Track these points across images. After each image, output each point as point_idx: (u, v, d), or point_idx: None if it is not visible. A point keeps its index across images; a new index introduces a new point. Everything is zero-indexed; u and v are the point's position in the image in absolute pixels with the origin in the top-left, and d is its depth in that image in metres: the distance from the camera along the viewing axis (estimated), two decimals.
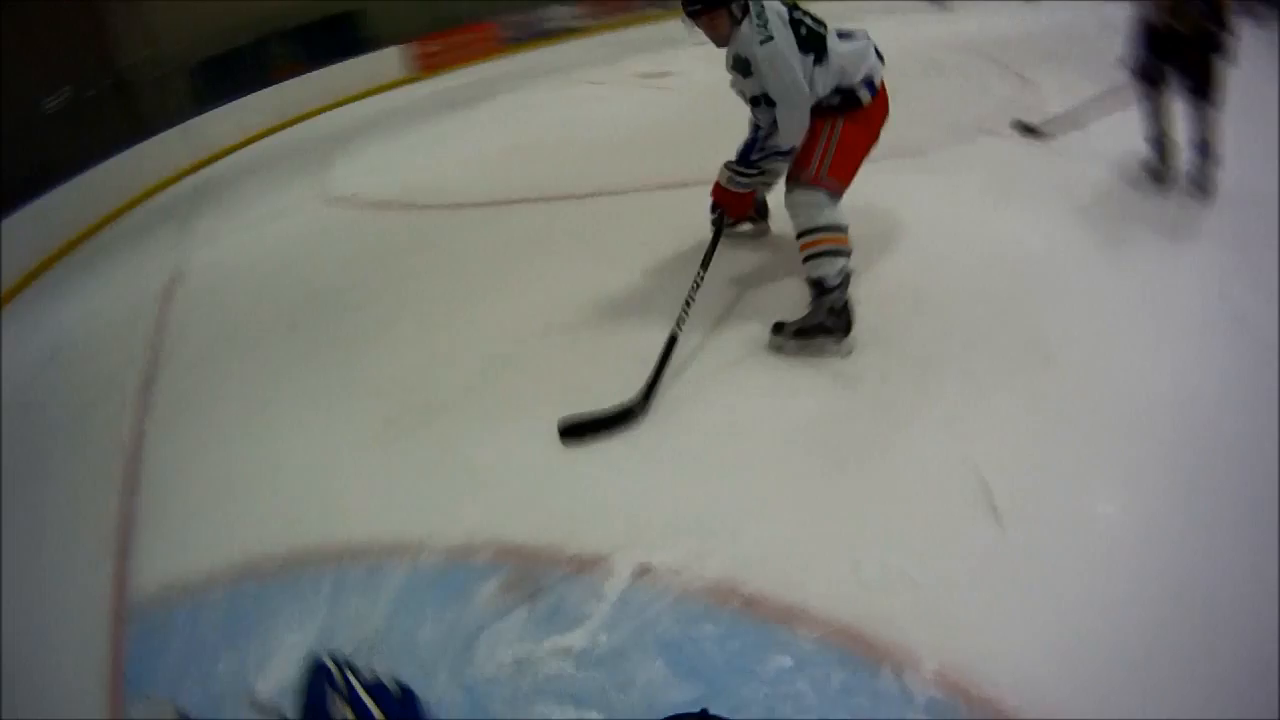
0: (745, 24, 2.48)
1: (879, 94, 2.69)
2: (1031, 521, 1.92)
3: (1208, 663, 1.54)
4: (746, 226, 3.53)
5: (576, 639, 1.76)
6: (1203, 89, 3.34)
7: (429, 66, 11.12)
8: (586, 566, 1.95)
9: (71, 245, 6.29)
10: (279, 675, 1.78)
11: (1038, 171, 3.99)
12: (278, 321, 3.77)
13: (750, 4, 2.49)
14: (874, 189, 3.64)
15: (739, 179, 2.76)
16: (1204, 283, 2.78)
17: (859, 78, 2.60)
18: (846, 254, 2.64)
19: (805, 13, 2.59)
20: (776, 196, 2.93)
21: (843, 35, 2.61)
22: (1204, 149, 3.43)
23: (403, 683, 1.25)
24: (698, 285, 2.70)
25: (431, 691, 1.67)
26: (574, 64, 9.78)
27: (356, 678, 1.20)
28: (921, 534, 1.92)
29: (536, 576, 1.95)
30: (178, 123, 8.30)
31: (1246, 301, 2.64)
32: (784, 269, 3.13)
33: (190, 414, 3.13)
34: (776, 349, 2.71)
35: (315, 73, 10.09)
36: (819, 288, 2.64)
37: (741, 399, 2.52)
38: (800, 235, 2.65)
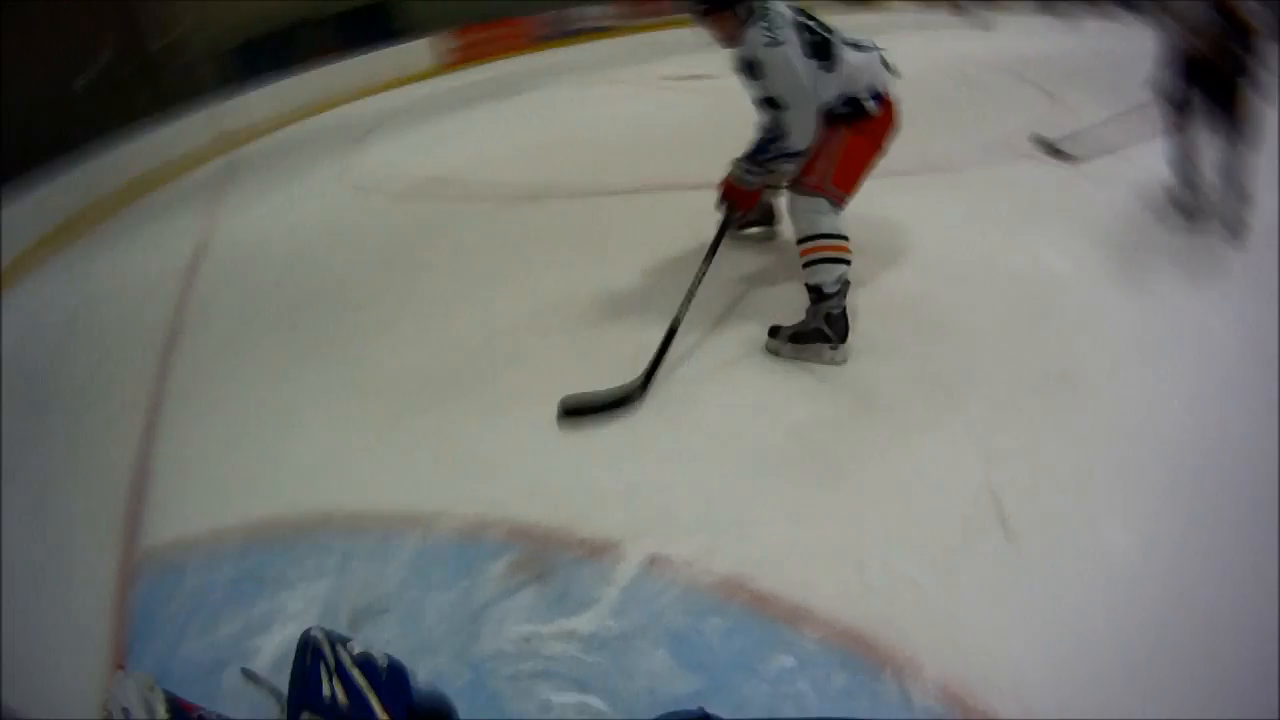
0: (752, 27, 2.50)
1: (886, 107, 2.70)
2: (1038, 534, 1.92)
3: (1213, 684, 1.54)
4: (754, 230, 3.56)
5: (584, 622, 1.77)
6: (1230, 117, 3.31)
7: (459, 59, 11.20)
8: (598, 551, 1.97)
9: (100, 217, 6.42)
10: (279, 641, 1.81)
11: (1065, 196, 3.97)
12: (298, 302, 3.87)
13: (757, 7, 2.51)
14: (897, 202, 3.71)
15: (749, 176, 2.78)
16: (1228, 321, 2.75)
17: (866, 88, 2.62)
18: (846, 262, 2.66)
19: (812, 18, 2.61)
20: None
21: (851, 44, 2.63)
22: (1234, 185, 3.37)
23: (393, 658, 1.26)
24: (700, 278, 2.73)
25: (435, 665, 1.69)
26: (601, 64, 9.87)
27: (346, 652, 1.22)
28: (927, 541, 1.92)
29: (547, 558, 1.97)
30: (209, 105, 8.43)
31: (1271, 342, 2.63)
32: (785, 273, 3.16)
33: (208, 383, 3.19)
34: (773, 352, 2.74)
35: (346, 61, 10.21)
36: (817, 294, 2.66)
37: (740, 399, 2.54)
38: (801, 241, 2.67)
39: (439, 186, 5.43)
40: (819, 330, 2.65)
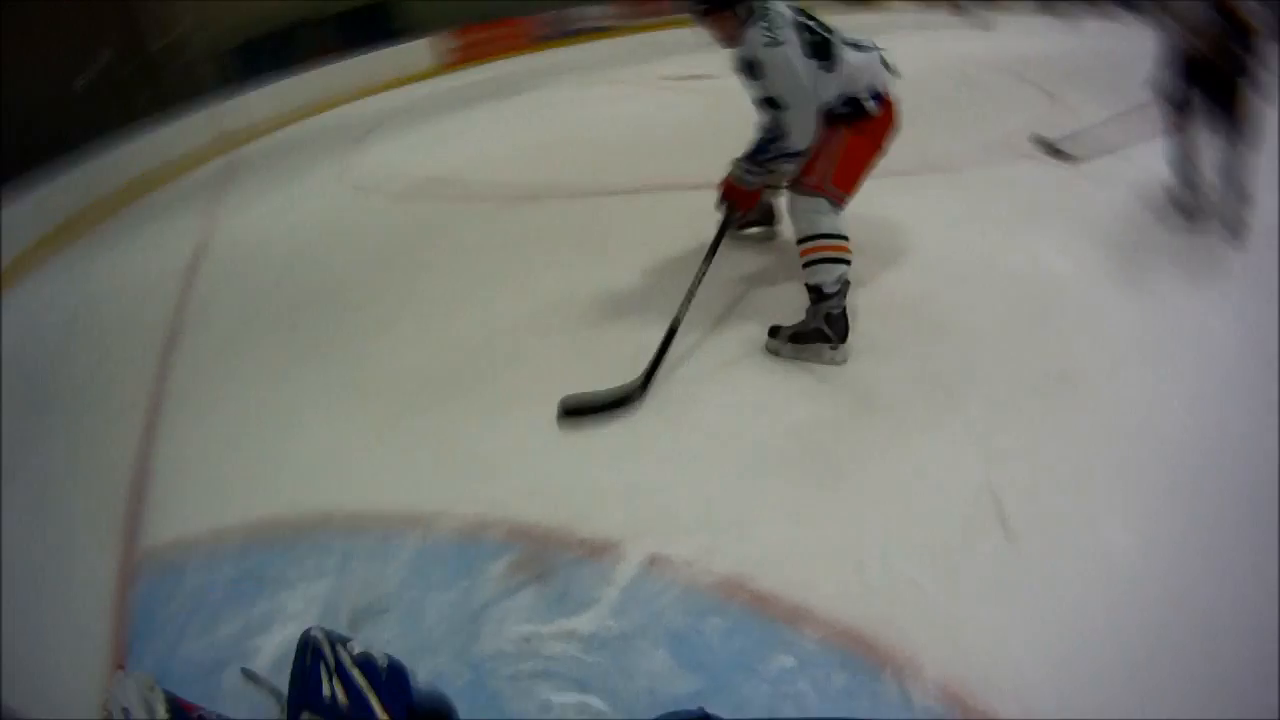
0: (752, 27, 2.49)
1: (886, 107, 2.70)
2: (1038, 534, 1.92)
3: (1213, 684, 1.54)
4: (754, 230, 3.56)
5: (584, 622, 1.77)
6: (1230, 117, 3.31)
7: (459, 59, 11.20)
8: (598, 551, 1.97)
9: (100, 217, 6.42)
10: (279, 641, 1.81)
11: (1065, 196, 3.97)
12: (298, 302, 3.87)
13: (757, 7, 2.51)
14: (897, 202, 3.71)
15: (749, 176, 2.78)
16: (1228, 321, 2.75)
17: (866, 88, 2.62)
18: (846, 262, 2.66)
19: (813, 18, 2.61)
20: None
21: (851, 44, 2.63)
22: (1234, 185, 3.37)
23: (393, 658, 1.26)
24: (700, 278, 2.73)
25: (435, 665, 1.69)
26: (601, 64, 9.87)
27: (346, 652, 1.22)
28: (928, 541, 1.92)
29: (547, 558, 1.97)
30: (209, 105, 8.43)
31: (1271, 342, 2.62)
32: (785, 273, 3.16)
33: (208, 383, 3.19)
34: (773, 352, 2.74)
35: (346, 61, 10.21)
36: (817, 294, 2.66)
37: (740, 399, 2.54)
38: (801, 241, 2.67)
39: (439, 186, 5.43)
40: (819, 330, 2.65)
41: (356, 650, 1.23)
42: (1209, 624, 1.66)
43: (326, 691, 1.16)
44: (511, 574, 1.93)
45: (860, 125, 2.65)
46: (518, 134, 6.73)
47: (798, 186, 2.67)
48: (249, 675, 1.71)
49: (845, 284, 2.67)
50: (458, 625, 1.81)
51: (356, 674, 1.18)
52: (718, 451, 2.31)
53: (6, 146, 5.89)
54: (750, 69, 2.58)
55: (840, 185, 2.65)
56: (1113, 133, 4.44)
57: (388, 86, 10.33)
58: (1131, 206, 3.74)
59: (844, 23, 2.82)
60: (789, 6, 2.56)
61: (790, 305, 2.81)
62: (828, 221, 2.63)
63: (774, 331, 2.75)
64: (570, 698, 1.62)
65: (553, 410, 2.50)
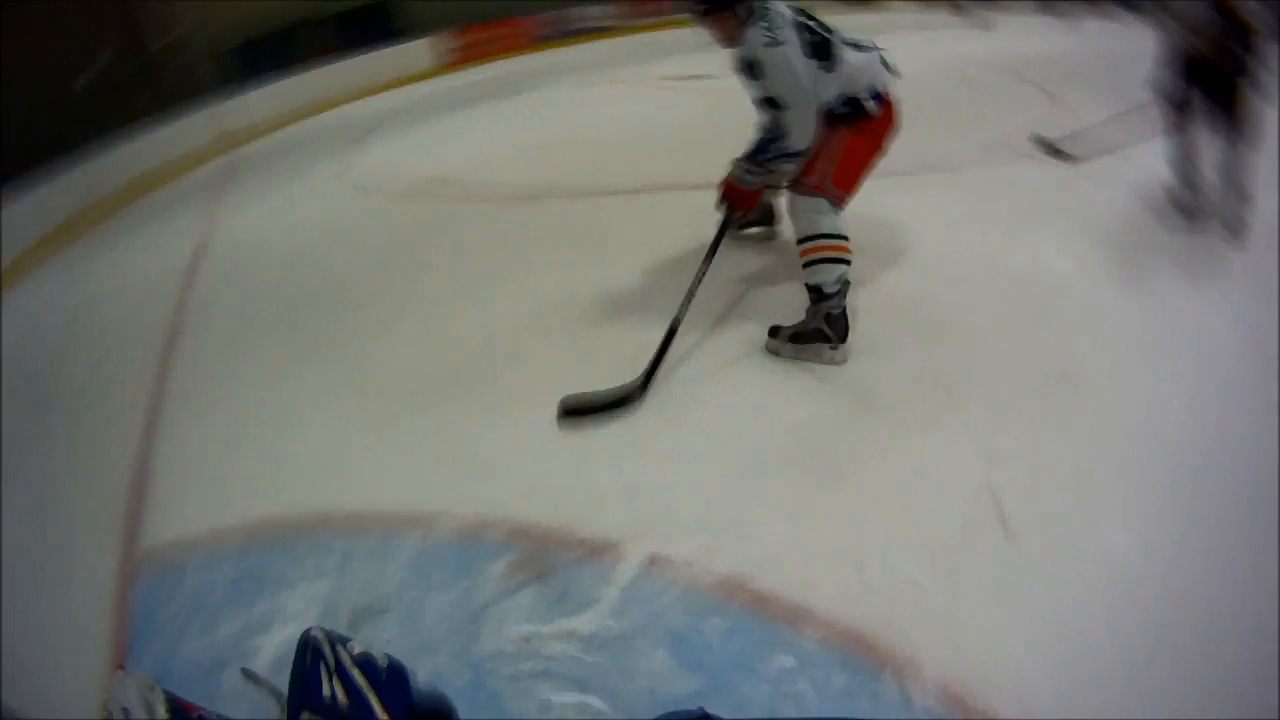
0: (752, 27, 2.49)
1: (886, 107, 2.71)
2: (1038, 534, 1.92)
3: (1213, 684, 1.54)
4: (754, 230, 3.56)
5: (584, 622, 1.77)
6: (1230, 117, 3.31)
7: (459, 59, 11.20)
8: (598, 551, 1.97)
9: (100, 217, 6.42)
10: (279, 641, 1.81)
11: (1065, 196, 3.97)
12: (298, 302, 3.87)
13: (757, 7, 2.51)
14: (897, 202, 3.71)
15: (748, 176, 2.78)
16: (1228, 321, 2.75)
17: (866, 88, 2.62)
18: (846, 262, 2.66)
19: (813, 18, 2.61)
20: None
21: (851, 44, 2.63)
22: (1234, 185, 3.36)
23: (393, 658, 1.26)
24: (700, 278, 2.73)
25: (435, 665, 1.69)
26: (601, 64, 9.86)
27: (346, 652, 1.22)
28: (928, 541, 1.92)
29: (547, 558, 1.97)
30: (209, 105, 8.44)
31: (1271, 342, 2.62)
32: (785, 273, 3.16)
33: (208, 383, 3.19)
34: (773, 352, 2.74)
35: (346, 61, 10.21)
36: (817, 294, 2.67)
37: (740, 399, 2.54)
38: (801, 241, 2.67)
39: (439, 186, 5.43)
40: (819, 330, 2.65)
41: (356, 650, 1.23)
42: (1209, 624, 1.66)
43: (326, 691, 1.16)
44: (511, 574, 1.93)
45: (860, 125, 2.65)
46: (518, 134, 6.73)
47: (798, 186, 2.67)
48: (249, 675, 1.71)
49: (845, 284, 2.67)
50: (458, 625, 1.81)
51: (356, 674, 1.18)
52: (718, 451, 2.31)
53: (6, 146, 5.89)
54: (750, 69, 2.58)
55: (840, 185, 2.65)
56: (1113, 133, 4.44)
57: (388, 86, 10.33)
58: (1131, 206, 3.74)
59: (844, 23, 2.82)
60: (789, 6, 2.56)
61: (790, 305, 2.81)
62: (828, 221, 2.63)
63: (774, 331, 2.75)
64: (570, 698, 1.62)
65: (553, 410, 2.50)
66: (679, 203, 4.03)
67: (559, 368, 2.78)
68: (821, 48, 2.53)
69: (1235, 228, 3.31)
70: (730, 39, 2.59)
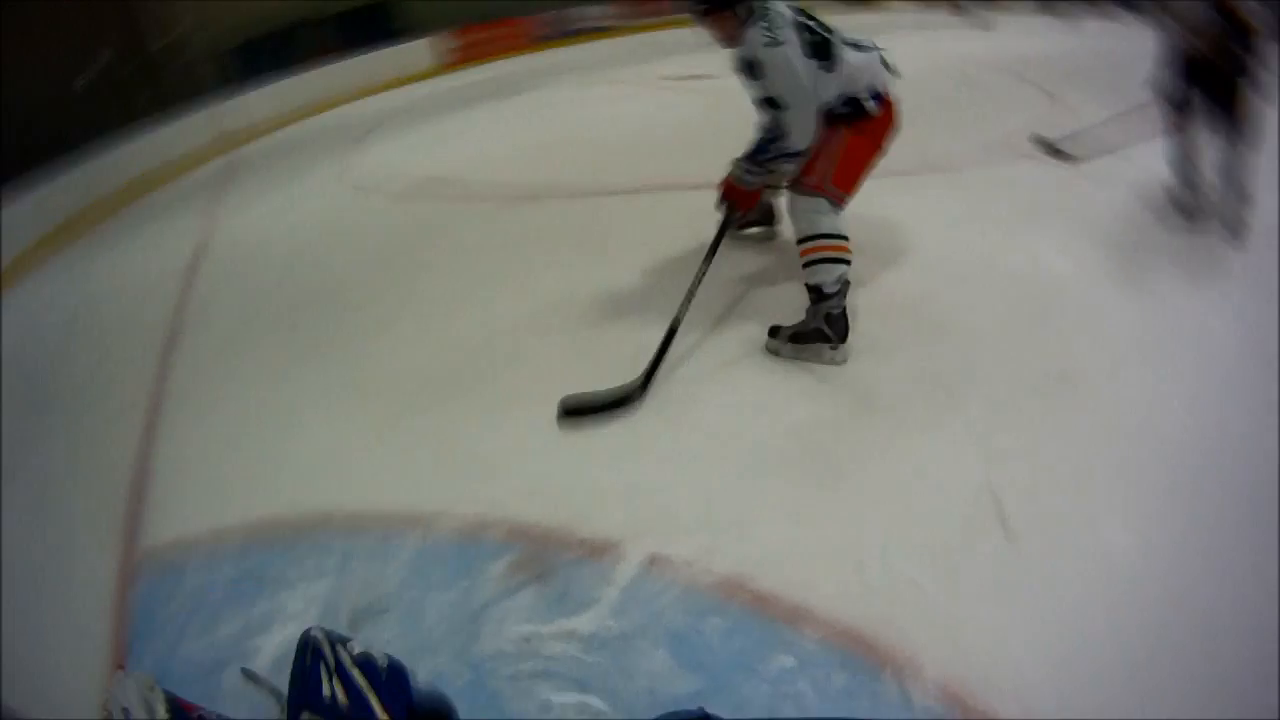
0: (752, 27, 2.49)
1: (886, 107, 2.71)
2: (1038, 534, 1.92)
3: (1213, 684, 1.54)
4: (754, 230, 3.56)
5: (584, 622, 1.77)
6: (1230, 117, 3.31)
7: (459, 59, 11.20)
8: (597, 551, 1.97)
9: (100, 217, 6.42)
10: (279, 641, 1.81)
11: (1065, 196, 3.97)
12: (298, 302, 3.87)
13: (757, 7, 2.51)
14: (897, 202, 3.71)
15: (748, 176, 2.78)
16: (1228, 321, 2.75)
17: (866, 88, 2.62)
18: (846, 262, 2.66)
19: (813, 18, 2.61)
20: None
21: (851, 44, 2.63)
22: (1234, 185, 3.36)
23: (393, 658, 1.26)
24: (700, 278, 2.73)
25: (435, 665, 1.69)
26: (601, 64, 9.86)
27: (346, 652, 1.22)
28: (928, 541, 1.92)
29: (547, 558, 1.97)
30: (209, 105, 8.44)
31: (1271, 342, 2.62)
32: (785, 273, 3.16)
33: (208, 383, 3.19)
34: (773, 352, 2.74)
35: (346, 61, 10.21)
36: (817, 294, 2.67)
37: (740, 399, 2.54)
38: (801, 241, 2.67)
39: (439, 186, 5.43)
40: (819, 330, 2.65)
41: (356, 650, 1.23)
42: (1209, 624, 1.66)
43: (326, 691, 1.16)
44: (511, 574, 1.93)
45: (860, 125, 2.65)
46: (518, 134, 6.73)
47: (798, 186, 2.67)
48: (249, 675, 1.71)
49: (845, 284, 2.67)
50: (458, 625, 1.81)
51: (356, 674, 1.18)
52: (718, 451, 2.31)
53: (6, 146, 5.89)
54: (750, 69, 2.59)
55: (840, 185, 2.65)
56: (1113, 133, 4.44)
57: (388, 86, 10.33)
58: (1131, 206, 3.74)
59: (844, 23, 2.82)
60: (789, 6, 2.56)
61: (790, 305, 2.81)
62: (828, 221, 2.63)
63: (774, 331, 2.75)
64: (570, 698, 1.62)
65: (553, 410, 2.50)
66: (679, 203, 4.04)
67: (559, 368, 2.78)
68: (821, 48, 2.53)
69: (1235, 228, 3.31)
70: (730, 39, 2.59)
